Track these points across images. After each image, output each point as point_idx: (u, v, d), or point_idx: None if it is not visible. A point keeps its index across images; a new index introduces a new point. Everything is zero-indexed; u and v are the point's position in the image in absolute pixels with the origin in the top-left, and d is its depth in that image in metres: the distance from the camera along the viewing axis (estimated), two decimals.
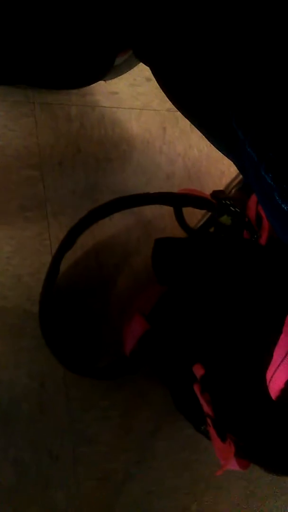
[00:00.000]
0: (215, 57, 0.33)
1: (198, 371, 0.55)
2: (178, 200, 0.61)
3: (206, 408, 0.55)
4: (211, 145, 0.42)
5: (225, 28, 0.32)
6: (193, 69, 0.36)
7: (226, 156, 0.41)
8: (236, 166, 0.39)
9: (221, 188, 0.81)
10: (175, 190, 0.75)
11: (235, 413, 0.51)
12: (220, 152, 0.42)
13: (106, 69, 0.47)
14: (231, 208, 0.53)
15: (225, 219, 0.54)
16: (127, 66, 0.58)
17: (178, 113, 0.81)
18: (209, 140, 0.42)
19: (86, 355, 0.70)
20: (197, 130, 0.43)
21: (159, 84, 0.45)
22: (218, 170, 0.83)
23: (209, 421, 0.56)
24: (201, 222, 0.70)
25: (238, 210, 0.53)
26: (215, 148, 0.43)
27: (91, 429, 0.70)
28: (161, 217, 0.77)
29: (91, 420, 0.70)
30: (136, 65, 0.60)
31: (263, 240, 0.51)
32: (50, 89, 0.69)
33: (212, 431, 0.56)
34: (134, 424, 0.73)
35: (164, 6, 0.36)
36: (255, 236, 0.52)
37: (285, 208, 0.29)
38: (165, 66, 0.40)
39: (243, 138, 0.32)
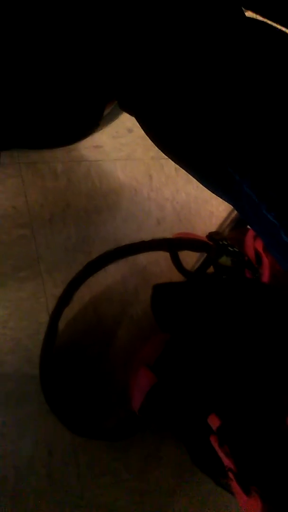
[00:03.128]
0: (204, 107, 0.33)
1: (214, 422, 0.52)
2: (174, 245, 0.60)
3: (226, 461, 0.51)
4: (198, 187, 0.42)
5: (214, 79, 0.33)
6: (183, 119, 0.36)
7: (221, 197, 0.41)
8: (233, 206, 0.38)
9: (212, 228, 0.81)
10: (167, 234, 0.75)
11: (259, 464, 0.48)
12: (207, 193, 0.42)
13: (96, 124, 0.47)
14: (229, 248, 0.53)
15: (224, 260, 0.53)
16: (111, 118, 0.58)
17: (163, 160, 0.83)
18: (202, 184, 0.42)
19: (92, 416, 0.66)
20: (183, 175, 0.43)
21: (146, 134, 0.45)
22: (207, 211, 0.83)
23: (230, 474, 0.52)
24: (198, 264, 0.70)
25: (237, 250, 0.53)
26: (202, 190, 0.42)
27: (105, 496, 0.65)
28: (156, 262, 0.76)
29: (104, 486, 0.66)
30: (119, 115, 0.61)
31: (265, 277, 0.50)
32: (41, 149, 0.69)
33: (235, 486, 0.52)
34: (149, 485, 0.69)
35: (153, 60, 0.36)
36: (257, 275, 0.51)
37: None
38: (153, 117, 0.40)
39: (239, 180, 0.32)
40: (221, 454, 0.52)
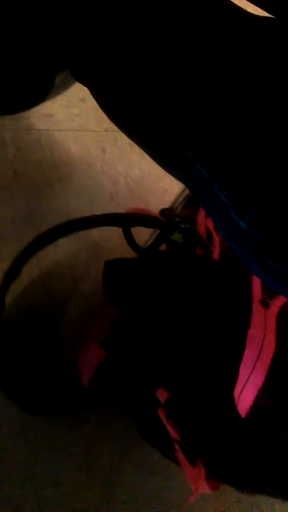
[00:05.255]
0: (158, 80, 0.32)
1: (162, 395, 0.53)
2: (127, 220, 0.59)
3: (172, 433, 0.53)
4: (152, 163, 0.41)
5: (168, 47, 0.32)
6: (135, 90, 0.34)
7: (172, 175, 0.40)
8: (185, 185, 0.38)
9: (166, 205, 0.81)
10: (119, 210, 0.74)
11: (204, 436, 0.49)
12: (161, 170, 0.41)
13: (46, 92, 0.45)
14: (181, 225, 0.53)
15: (176, 236, 0.53)
16: (63, 87, 0.56)
17: (116, 133, 0.81)
18: (154, 159, 0.41)
19: (40, 391, 0.65)
20: (137, 149, 0.42)
21: (99, 105, 0.43)
22: (161, 188, 0.83)
23: (176, 446, 0.54)
24: (151, 241, 0.69)
25: (188, 227, 0.53)
26: (156, 166, 0.41)
27: (52, 470, 0.65)
28: (109, 238, 0.75)
29: (52, 460, 0.66)
30: (72, 85, 0.59)
31: (215, 255, 0.50)
32: None
33: (180, 456, 0.54)
34: (98, 458, 0.69)
35: (104, 29, 0.34)
36: (208, 252, 0.51)
37: (243, 225, 0.28)
38: (105, 88, 0.38)
39: (192, 157, 0.31)
40: (168, 427, 0.53)
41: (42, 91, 0.44)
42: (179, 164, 0.34)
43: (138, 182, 0.81)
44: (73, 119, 0.77)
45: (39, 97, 0.45)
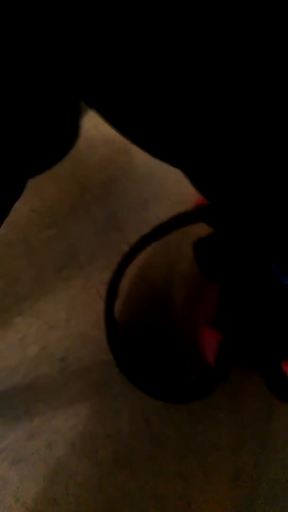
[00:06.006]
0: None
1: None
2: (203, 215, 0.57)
3: None
4: None
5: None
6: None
7: None
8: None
9: None
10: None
11: None
12: None
13: (77, 124, 0.44)
14: None
15: None
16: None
17: None
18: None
19: (174, 380, 0.70)
20: None
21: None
22: None
23: None
24: None
25: None
26: None
27: (207, 440, 0.71)
28: None
29: (204, 432, 0.71)
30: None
31: None
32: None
33: None
34: (245, 417, 0.73)
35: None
36: None
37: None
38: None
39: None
40: None
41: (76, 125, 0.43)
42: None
43: None
44: None
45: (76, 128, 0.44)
